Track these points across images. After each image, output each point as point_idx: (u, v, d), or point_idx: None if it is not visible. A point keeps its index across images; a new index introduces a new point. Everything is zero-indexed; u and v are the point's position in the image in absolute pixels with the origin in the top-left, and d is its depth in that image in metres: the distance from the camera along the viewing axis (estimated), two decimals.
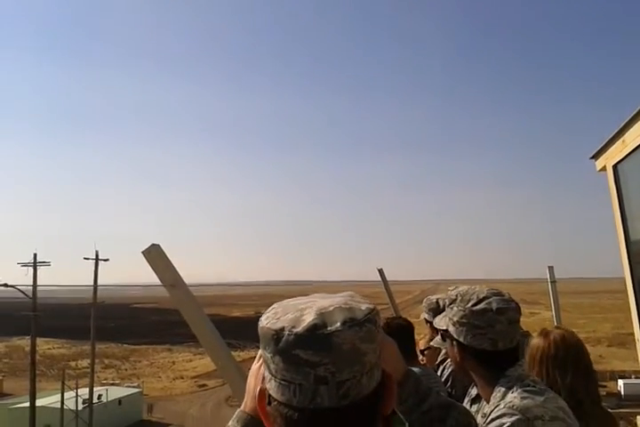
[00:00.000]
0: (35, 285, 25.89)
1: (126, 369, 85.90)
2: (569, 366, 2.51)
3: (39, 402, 29.99)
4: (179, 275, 2.34)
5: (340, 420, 0.93)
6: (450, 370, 3.65)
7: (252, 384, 1.23)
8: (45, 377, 71.92)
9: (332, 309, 0.96)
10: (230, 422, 1.28)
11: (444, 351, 3.84)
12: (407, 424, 1.34)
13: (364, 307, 0.98)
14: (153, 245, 2.32)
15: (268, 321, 0.98)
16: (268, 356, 0.96)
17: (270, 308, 1.03)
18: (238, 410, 1.29)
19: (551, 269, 7.50)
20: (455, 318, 2.04)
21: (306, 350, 0.91)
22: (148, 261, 2.32)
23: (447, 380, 3.63)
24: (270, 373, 0.97)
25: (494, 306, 2.00)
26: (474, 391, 2.28)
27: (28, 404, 28.89)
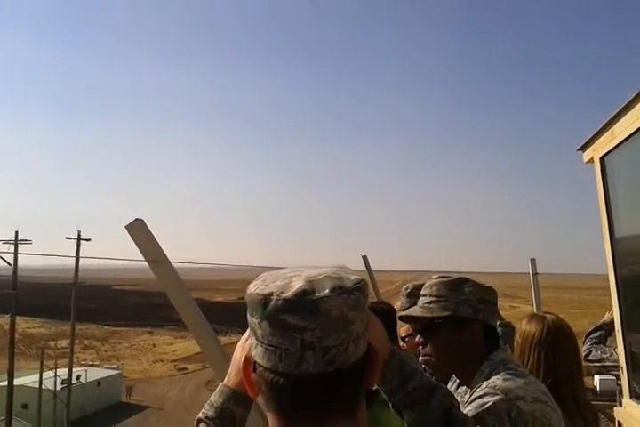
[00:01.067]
0: (15, 262, 25.68)
1: (106, 351, 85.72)
2: (565, 350, 2.53)
3: (17, 381, 29.96)
4: (162, 251, 2.31)
5: (326, 386, 0.93)
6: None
7: (237, 356, 1.21)
8: (24, 356, 71.63)
9: (320, 277, 0.96)
10: (212, 397, 1.28)
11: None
12: (390, 405, 1.32)
13: (352, 277, 0.99)
14: (136, 219, 2.30)
15: (256, 288, 0.97)
16: (255, 322, 0.96)
17: (259, 276, 1.03)
18: (220, 384, 1.29)
19: (533, 261, 7.54)
20: (474, 297, 2.03)
21: (293, 315, 0.91)
22: (132, 236, 2.30)
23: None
24: (257, 339, 0.97)
25: (489, 286, 2.10)
26: None
27: (5, 383, 28.78)
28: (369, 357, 1.00)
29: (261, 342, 0.96)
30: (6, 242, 24.69)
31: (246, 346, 1.12)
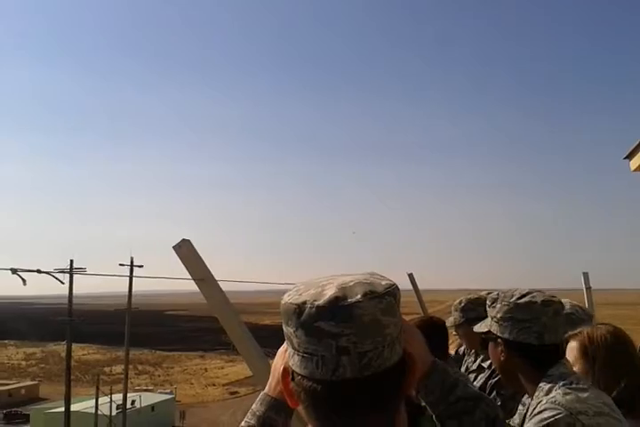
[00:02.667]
0: (70, 289, 26.34)
1: (159, 375, 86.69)
2: (625, 360, 2.41)
3: (74, 407, 30.44)
4: (208, 269, 2.38)
5: (362, 391, 0.94)
6: (473, 365, 3.66)
7: (277, 365, 1.24)
8: (80, 382, 72.98)
9: (352, 284, 0.98)
10: (254, 406, 1.29)
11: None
12: (434, 417, 1.32)
13: (384, 282, 1.00)
14: (183, 240, 2.37)
15: (290, 297, 0.99)
16: (291, 330, 0.97)
17: (293, 286, 1.04)
18: (262, 393, 1.30)
19: (586, 275, 7.34)
20: (499, 315, 2.03)
21: (327, 322, 0.92)
22: (179, 256, 2.37)
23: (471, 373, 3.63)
24: (293, 347, 0.98)
25: (539, 299, 1.99)
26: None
27: (63, 409, 29.23)
28: (406, 362, 1.00)
29: (298, 351, 0.97)
30: (61, 271, 25.38)
31: (286, 356, 1.13)
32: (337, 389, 0.94)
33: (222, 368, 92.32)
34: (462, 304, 3.70)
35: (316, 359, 0.94)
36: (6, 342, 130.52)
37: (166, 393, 63.54)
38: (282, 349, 1.23)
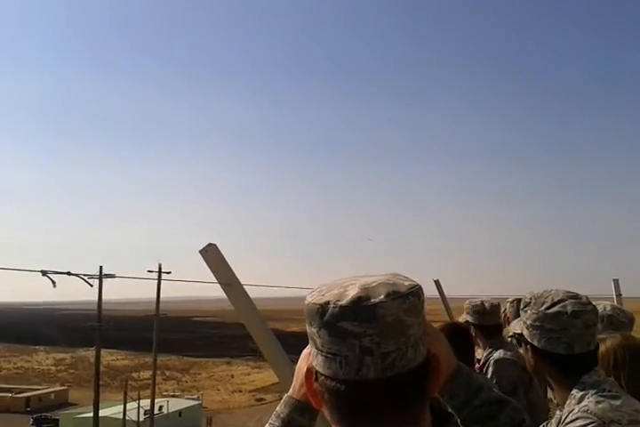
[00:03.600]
0: (100, 296, 26.69)
1: (186, 381, 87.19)
2: None
3: (102, 412, 30.77)
4: (234, 274, 2.40)
5: (386, 391, 0.94)
6: (495, 365, 3.65)
7: (301, 367, 1.24)
8: (109, 388, 73.73)
9: (375, 284, 0.97)
10: (278, 408, 1.30)
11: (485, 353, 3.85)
12: (459, 421, 1.31)
13: (407, 283, 0.99)
14: (210, 244, 2.39)
15: (312, 298, 0.99)
16: (314, 331, 0.97)
17: (315, 287, 1.04)
18: (286, 395, 1.31)
19: (616, 282, 7.21)
20: (529, 322, 2.00)
21: (351, 322, 0.92)
22: (205, 260, 2.39)
23: (493, 373, 3.62)
24: (316, 347, 0.98)
25: (569, 309, 1.95)
26: None
27: (91, 414, 29.54)
28: (430, 363, 1.00)
29: (321, 351, 0.97)
30: (91, 277, 25.72)
31: (309, 357, 1.14)
32: (360, 389, 0.94)
33: (249, 375, 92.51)
34: (466, 310, 3.90)
35: (340, 359, 0.94)
36: (37, 347, 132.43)
37: (193, 399, 63.80)
38: (305, 351, 1.24)
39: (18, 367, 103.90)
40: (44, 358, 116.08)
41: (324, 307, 0.95)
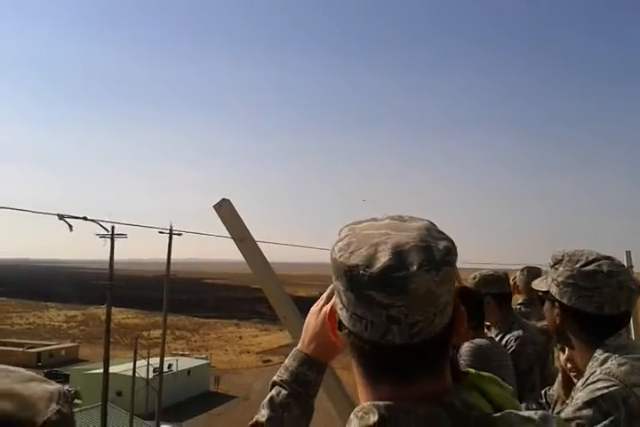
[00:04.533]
0: (112, 255, 26.93)
1: (195, 341, 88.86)
2: None
3: (112, 369, 31.39)
4: (247, 229, 2.37)
5: (411, 354, 0.93)
6: (516, 343, 3.59)
7: (311, 324, 1.26)
8: (119, 345, 75.17)
9: (407, 247, 0.91)
10: (286, 361, 1.29)
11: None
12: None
13: (441, 246, 0.93)
14: (223, 199, 2.36)
15: (341, 253, 0.95)
16: (341, 288, 0.95)
17: (343, 234, 1.00)
18: (295, 349, 1.30)
19: (628, 254, 7.10)
20: (560, 279, 1.95)
21: (379, 293, 0.89)
22: (219, 215, 2.36)
23: (512, 352, 3.57)
24: (342, 302, 0.96)
25: (605, 268, 1.91)
26: None
27: (101, 370, 30.08)
28: (454, 317, 0.98)
29: (347, 308, 0.94)
30: (102, 236, 25.88)
31: (321, 315, 1.22)
32: (385, 351, 0.93)
33: (256, 337, 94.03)
34: (476, 280, 3.77)
35: (365, 322, 0.91)
36: (48, 304, 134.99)
37: (202, 358, 65.10)
38: (315, 308, 1.27)
39: (30, 323, 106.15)
40: (55, 315, 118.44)
41: (352, 270, 0.91)
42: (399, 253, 0.91)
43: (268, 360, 72.35)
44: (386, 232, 0.96)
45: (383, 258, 0.90)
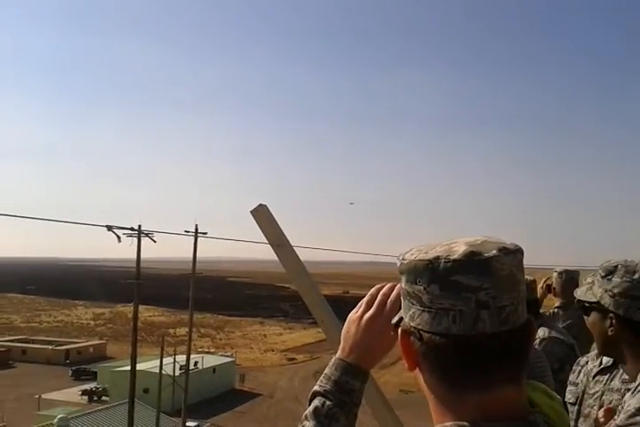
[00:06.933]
0: (138, 253, 27.24)
1: (220, 339, 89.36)
2: None
3: (139, 366, 31.59)
4: (284, 234, 2.37)
5: (499, 345, 0.92)
6: (543, 344, 3.63)
7: (351, 331, 1.26)
8: (145, 343, 75.85)
9: (479, 242, 0.95)
10: (327, 370, 1.27)
11: None
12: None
13: (509, 242, 0.97)
14: (260, 204, 2.36)
15: (415, 255, 0.97)
16: (420, 288, 0.94)
17: (408, 249, 1.01)
18: (334, 357, 1.28)
19: None
20: (616, 290, 1.95)
21: (466, 275, 0.91)
22: (256, 220, 2.36)
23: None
24: (422, 305, 0.94)
25: None
26: (605, 360, 2.24)
27: (128, 367, 30.35)
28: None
29: (429, 308, 0.93)
30: (130, 235, 26.28)
31: (362, 322, 1.22)
32: (474, 343, 0.91)
33: (281, 335, 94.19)
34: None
35: (453, 314, 0.91)
36: (76, 302, 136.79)
37: (227, 356, 65.42)
38: (354, 315, 1.27)
39: (58, 321, 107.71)
40: (83, 313, 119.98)
41: (433, 262, 0.93)
42: (474, 245, 0.94)
43: (293, 358, 72.37)
44: (453, 239, 0.99)
45: (461, 248, 0.93)
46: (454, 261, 0.92)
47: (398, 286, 1.17)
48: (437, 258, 0.93)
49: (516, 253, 0.95)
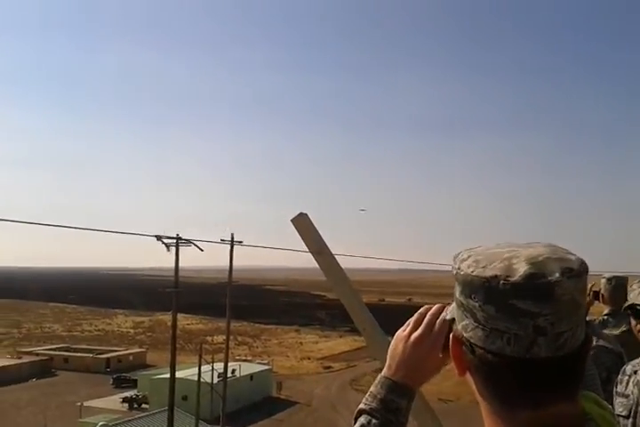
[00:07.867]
0: (177, 262, 27.60)
1: (257, 347, 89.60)
2: None
3: (178, 374, 31.91)
4: (324, 242, 2.40)
5: (554, 370, 0.91)
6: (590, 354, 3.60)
7: (398, 349, 1.23)
8: (184, 351, 76.37)
9: (542, 258, 0.91)
10: (373, 389, 1.25)
11: None
12: None
13: (573, 258, 0.92)
14: (301, 213, 2.41)
15: (472, 269, 0.93)
16: (476, 304, 0.92)
17: (464, 255, 0.99)
18: (380, 375, 1.26)
19: None
20: None
21: (525, 301, 0.88)
22: (297, 229, 2.41)
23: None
24: (476, 321, 0.93)
25: None
26: None
27: (168, 375, 30.68)
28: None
29: (483, 325, 0.92)
30: (168, 245, 26.68)
31: (411, 341, 1.20)
32: (528, 366, 0.90)
33: (317, 343, 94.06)
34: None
35: (508, 336, 0.89)
36: (116, 311, 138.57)
37: (264, 364, 65.58)
38: (401, 333, 1.25)
39: (99, 330, 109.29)
40: (123, 321, 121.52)
41: (490, 281, 0.90)
42: (536, 264, 0.89)
43: (329, 367, 72.22)
44: (512, 249, 0.95)
45: (522, 268, 0.89)
46: (513, 284, 0.88)
47: (447, 307, 1.18)
48: (495, 277, 0.89)
49: (581, 275, 0.90)
